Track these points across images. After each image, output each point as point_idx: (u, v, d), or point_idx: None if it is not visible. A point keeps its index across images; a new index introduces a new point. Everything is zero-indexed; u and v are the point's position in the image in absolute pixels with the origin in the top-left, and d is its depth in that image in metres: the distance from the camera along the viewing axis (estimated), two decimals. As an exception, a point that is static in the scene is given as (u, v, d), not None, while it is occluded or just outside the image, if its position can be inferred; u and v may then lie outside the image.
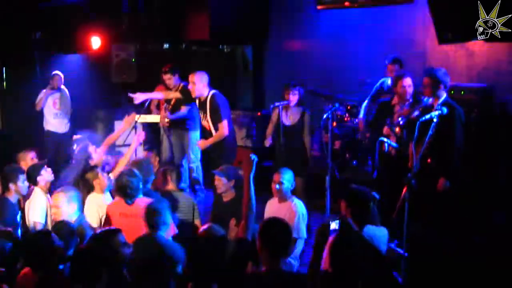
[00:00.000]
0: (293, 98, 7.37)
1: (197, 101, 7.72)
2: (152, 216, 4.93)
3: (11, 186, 5.92)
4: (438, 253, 5.60)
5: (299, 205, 5.87)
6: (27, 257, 4.35)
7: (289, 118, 7.49)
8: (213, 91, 7.57)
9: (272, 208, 5.94)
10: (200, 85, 7.49)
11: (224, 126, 7.40)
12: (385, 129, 6.68)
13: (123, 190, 5.50)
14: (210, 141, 7.56)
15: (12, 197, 5.94)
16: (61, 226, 4.83)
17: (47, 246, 4.26)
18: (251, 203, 4.58)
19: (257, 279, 4.03)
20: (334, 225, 4.21)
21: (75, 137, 7.43)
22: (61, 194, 5.33)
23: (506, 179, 6.61)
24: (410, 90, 6.67)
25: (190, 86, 7.55)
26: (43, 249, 4.24)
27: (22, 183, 5.98)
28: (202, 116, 7.70)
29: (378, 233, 4.59)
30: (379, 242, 4.52)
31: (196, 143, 8.41)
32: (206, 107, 7.55)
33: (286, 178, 5.88)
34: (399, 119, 6.39)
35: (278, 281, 3.94)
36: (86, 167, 6.30)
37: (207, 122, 7.57)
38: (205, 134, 7.81)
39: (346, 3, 8.24)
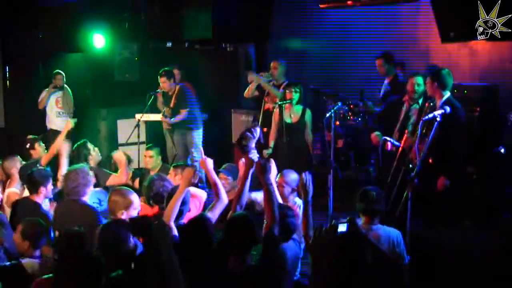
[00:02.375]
0: (292, 96, 7.43)
1: (271, 84, 8.27)
2: None
3: (42, 189, 5.82)
4: (440, 252, 5.58)
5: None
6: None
7: (291, 116, 7.52)
8: (287, 80, 8.17)
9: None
10: (280, 71, 8.22)
11: None
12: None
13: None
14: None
15: (41, 200, 5.85)
16: None
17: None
18: (242, 200, 4.59)
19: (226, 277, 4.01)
20: (342, 227, 4.19)
21: (29, 137, 7.53)
22: None
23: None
24: (418, 88, 6.64)
25: (271, 71, 8.29)
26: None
27: (52, 186, 5.96)
28: (268, 99, 8.25)
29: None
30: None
31: (199, 142, 8.52)
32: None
33: (289, 180, 5.79)
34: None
35: (244, 280, 3.94)
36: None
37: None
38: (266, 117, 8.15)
39: (349, 2, 8.20)
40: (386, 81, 8.01)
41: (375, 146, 6.90)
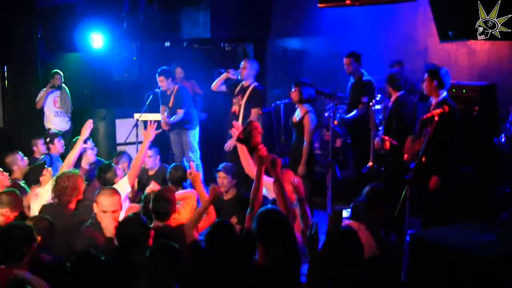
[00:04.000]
0: (293, 95, 7.41)
1: (240, 85, 8.11)
2: None
3: None
4: (439, 253, 5.59)
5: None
6: None
7: (295, 116, 7.53)
8: (256, 83, 8.10)
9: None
10: (249, 71, 8.04)
11: (256, 112, 7.90)
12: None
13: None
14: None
15: None
16: None
17: None
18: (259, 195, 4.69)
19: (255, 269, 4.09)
20: (345, 213, 4.22)
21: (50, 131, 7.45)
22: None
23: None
24: None
25: (240, 70, 8.08)
26: None
27: (4, 174, 5.92)
28: (235, 100, 8.05)
29: None
30: None
31: (195, 142, 8.56)
32: (245, 93, 7.97)
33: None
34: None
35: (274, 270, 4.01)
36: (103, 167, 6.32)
37: (239, 106, 7.95)
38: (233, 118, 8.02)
39: (347, 1, 8.18)
40: (352, 81, 8.09)
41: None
